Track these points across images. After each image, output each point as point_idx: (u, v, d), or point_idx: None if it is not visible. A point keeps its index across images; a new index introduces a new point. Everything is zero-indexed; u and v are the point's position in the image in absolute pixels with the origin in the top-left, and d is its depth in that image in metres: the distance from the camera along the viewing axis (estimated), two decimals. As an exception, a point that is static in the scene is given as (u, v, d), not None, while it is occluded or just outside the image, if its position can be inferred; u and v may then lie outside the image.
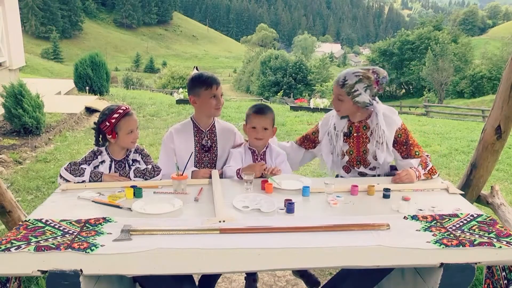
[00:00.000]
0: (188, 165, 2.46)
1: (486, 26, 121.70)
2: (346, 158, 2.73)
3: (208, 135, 2.79)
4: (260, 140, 2.70)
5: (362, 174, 2.75)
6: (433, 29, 52.07)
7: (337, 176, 2.86)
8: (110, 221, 1.95)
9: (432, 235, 1.83)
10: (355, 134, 2.68)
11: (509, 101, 2.94)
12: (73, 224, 1.91)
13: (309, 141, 2.89)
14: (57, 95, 10.41)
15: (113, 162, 2.60)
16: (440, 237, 1.80)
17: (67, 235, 1.80)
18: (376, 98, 2.61)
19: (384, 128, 2.57)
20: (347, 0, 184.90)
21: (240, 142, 2.87)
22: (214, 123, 2.82)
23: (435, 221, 1.96)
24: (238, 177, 2.56)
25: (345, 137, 2.71)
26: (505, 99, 2.95)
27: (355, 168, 2.73)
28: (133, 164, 2.63)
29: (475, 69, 42.84)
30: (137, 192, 2.26)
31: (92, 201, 2.21)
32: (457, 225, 1.93)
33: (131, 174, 2.54)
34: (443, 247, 1.72)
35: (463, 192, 2.49)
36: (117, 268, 1.65)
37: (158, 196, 2.30)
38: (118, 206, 2.13)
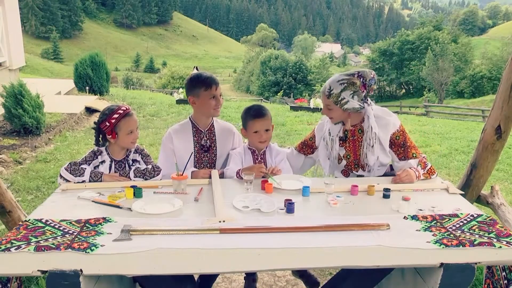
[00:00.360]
0: (187, 165, 2.46)
1: (486, 26, 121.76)
2: (344, 162, 2.72)
3: (207, 135, 2.79)
4: (264, 142, 2.70)
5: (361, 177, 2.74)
6: (433, 29, 52.07)
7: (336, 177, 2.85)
8: (110, 221, 1.95)
9: (432, 235, 1.83)
10: (351, 138, 2.68)
11: (509, 101, 2.93)
12: (73, 224, 1.91)
13: (307, 147, 2.89)
14: (57, 95, 10.41)
15: (113, 162, 2.60)
16: (440, 237, 1.80)
17: (67, 235, 1.80)
18: (368, 100, 2.59)
19: (376, 130, 2.56)
20: (347, 0, 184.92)
21: (240, 144, 2.88)
22: (212, 123, 2.82)
23: (435, 221, 1.96)
24: (237, 177, 2.56)
25: (341, 142, 2.70)
26: (505, 99, 2.95)
27: (354, 171, 2.73)
28: (133, 164, 2.63)
29: (475, 69, 42.84)
30: (137, 192, 2.26)
31: (92, 201, 2.21)
32: (457, 225, 1.93)
33: (131, 174, 2.54)
34: (443, 247, 1.72)
35: (463, 192, 2.49)
36: (117, 268, 1.65)
37: (158, 196, 2.30)
38: (118, 206, 2.13)
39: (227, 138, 2.84)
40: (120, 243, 1.74)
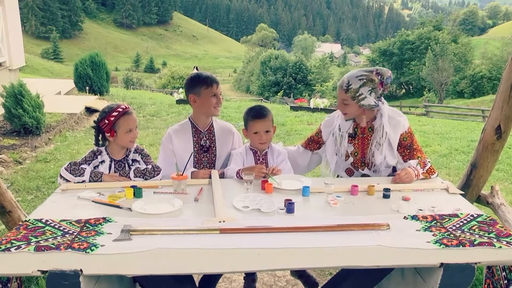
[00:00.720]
0: (187, 165, 2.46)
1: (486, 26, 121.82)
2: (351, 159, 2.72)
3: (207, 135, 2.78)
4: (264, 143, 2.70)
5: (365, 177, 2.73)
6: (433, 29, 52.06)
7: (338, 177, 2.85)
8: (110, 221, 1.95)
9: (432, 235, 1.83)
10: (360, 136, 2.67)
11: (509, 101, 2.93)
12: (73, 224, 1.91)
13: (313, 143, 2.89)
14: (57, 95, 10.41)
15: (113, 162, 2.60)
16: (440, 237, 1.80)
17: (67, 235, 1.80)
18: (382, 99, 2.60)
19: (388, 130, 2.56)
20: (347, 0, 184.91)
21: (239, 144, 2.88)
22: (212, 123, 2.82)
23: (435, 221, 1.96)
24: (237, 177, 2.56)
25: (350, 138, 2.70)
26: (505, 99, 2.95)
27: (360, 170, 2.72)
28: (133, 164, 2.63)
29: (475, 69, 42.85)
30: (137, 192, 2.26)
31: (92, 201, 2.21)
32: (457, 225, 1.93)
33: (131, 174, 2.54)
34: (443, 247, 1.72)
35: (463, 192, 2.49)
36: (117, 268, 1.65)
37: (158, 196, 2.30)
38: (118, 206, 2.13)
39: (227, 138, 2.84)
40: (120, 243, 1.74)
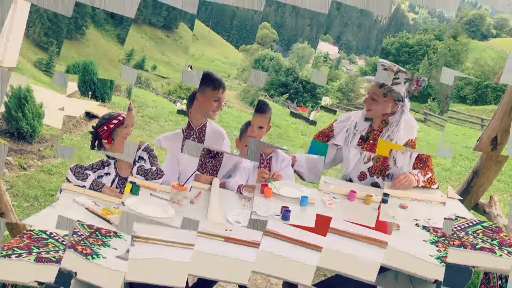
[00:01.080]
0: (190, 178, 2.46)
1: (489, 34, 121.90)
2: (370, 164, 2.69)
3: (197, 133, 2.78)
4: (251, 137, 2.62)
5: (375, 185, 2.68)
6: (434, 38, 52.28)
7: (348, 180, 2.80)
8: (121, 238, 1.94)
9: (437, 250, 1.82)
10: (371, 142, 2.67)
11: (510, 113, 2.91)
12: (85, 228, 1.91)
13: (323, 135, 2.87)
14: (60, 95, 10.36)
15: (118, 177, 2.58)
16: (444, 254, 1.79)
17: (74, 236, 1.79)
18: (408, 98, 2.61)
19: (402, 127, 2.57)
20: (358, 9, 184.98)
21: (227, 151, 2.86)
22: (206, 123, 2.81)
23: (443, 238, 1.95)
24: (237, 191, 2.55)
25: (360, 140, 2.69)
26: (507, 110, 2.91)
27: (374, 176, 2.68)
28: (138, 161, 2.61)
29: (464, 71, 42.86)
30: (134, 189, 2.26)
31: (86, 207, 2.19)
32: (462, 226, 1.92)
33: (134, 171, 2.52)
34: (443, 265, 1.72)
35: (461, 198, 2.48)
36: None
37: (154, 199, 2.29)
38: (108, 221, 2.10)
39: (216, 141, 2.78)
40: (120, 260, 1.73)
